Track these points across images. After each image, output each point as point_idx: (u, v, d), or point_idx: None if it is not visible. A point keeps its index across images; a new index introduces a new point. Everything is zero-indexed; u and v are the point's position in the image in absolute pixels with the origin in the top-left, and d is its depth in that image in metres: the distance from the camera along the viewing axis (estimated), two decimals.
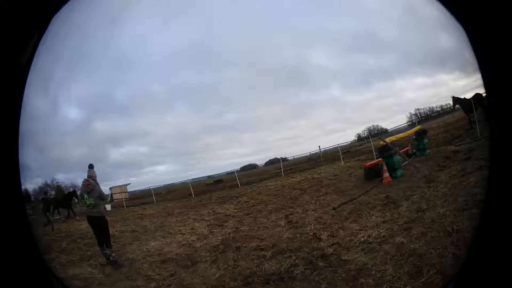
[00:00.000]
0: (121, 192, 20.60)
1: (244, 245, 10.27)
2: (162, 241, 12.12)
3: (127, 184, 20.55)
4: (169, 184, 21.32)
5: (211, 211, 16.16)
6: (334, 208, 12.18)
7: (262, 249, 9.55)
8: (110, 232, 12.13)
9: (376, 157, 16.65)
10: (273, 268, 8.23)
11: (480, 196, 7.94)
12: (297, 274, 7.66)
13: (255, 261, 8.87)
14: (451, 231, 7.43)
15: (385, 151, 14.87)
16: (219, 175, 23.92)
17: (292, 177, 21.99)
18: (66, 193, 18.89)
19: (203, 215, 15.63)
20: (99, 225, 10.34)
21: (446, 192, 10.14)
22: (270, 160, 27.00)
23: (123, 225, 14.92)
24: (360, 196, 12.93)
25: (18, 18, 2.60)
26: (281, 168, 24.13)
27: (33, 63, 2.90)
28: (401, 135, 18.50)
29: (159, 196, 21.01)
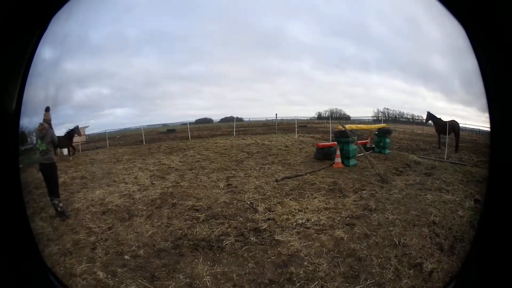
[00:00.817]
0: (80, 135, 20.25)
1: (180, 202, 10.06)
2: (106, 189, 11.88)
3: (85, 127, 20.16)
4: (125, 129, 21.13)
5: (157, 161, 16.24)
6: (277, 180, 11.84)
7: (197, 210, 9.30)
8: (63, 179, 12.21)
9: (331, 140, 16.41)
10: (204, 233, 7.93)
11: (433, 218, 8.50)
12: (226, 244, 7.34)
13: (187, 222, 8.61)
14: (397, 243, 7.08)
15: (342, 137, 14.60)
16: (173, 124, 23.66)
17: (243, 139, 22.46)
18: (67, 131, 18.38)
19: (148, 164, 15.71)
20: (49, 173, 9.68)
21: (399, 199, 9.97)
22: (225, 118, 27.03)
23: (75, 171, 14.58)
24: (306, 174, 12.79)
25: (18, 18, 2.54)
26: (234, 128, 24.35)
27: (33, 63, 2.85)
28: (363, 126, 18.51)
29: (113, 141, 21.16)
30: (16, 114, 2.70)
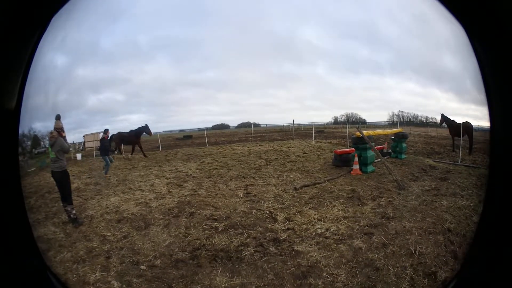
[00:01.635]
0: (94, 140, 20.53)
1: (198, 211, 10.05)
2: (122, 197, 11.99)
3: (99, 132, 20.55)
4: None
5: (174, 168, 16.52)
6: (296, 189, 11.97)
7: (215, 219, 9.35)
8: (76, 184, 12.68)
9: (349, 146, 16.59)
10: (223, 243, 7.98)
11: (448, 225, 8.55)
12: (245, 255, 7.39)
13: (206, 231, 8.64)
14: (413, 251, 7.12)
15: (360, 143, 14.69)
16: (190, 130, 23.91)
17: (260, 145, 22.59)
18: (136, 129, 19.59)
19: (165, 171, 15.90)
20: (60, 180, 9.89)
21: (416, 206, 10.02)
22: (242, 123, 27.19)
23: (88, 177, 14.83)
24: (325, 181, 12.91)
25: (18, 18, 2.59)
26: (251, 134, 24.46)
27: (33, 63, 2.89)
28: (380, 131, 18.40)
29: (128, 147, 21.30)
30: (16, 114, 2.76)
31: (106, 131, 16.67)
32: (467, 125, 20.64)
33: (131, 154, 20.94)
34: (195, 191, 12.34)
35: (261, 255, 7.33)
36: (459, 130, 20.41)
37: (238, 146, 22.67)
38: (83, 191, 12.63)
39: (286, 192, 11.64)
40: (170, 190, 12.66)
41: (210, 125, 24.74)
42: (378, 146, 18.75)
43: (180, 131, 23.47)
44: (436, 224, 8.56)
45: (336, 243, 7.54)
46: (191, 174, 14.95)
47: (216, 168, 16.02)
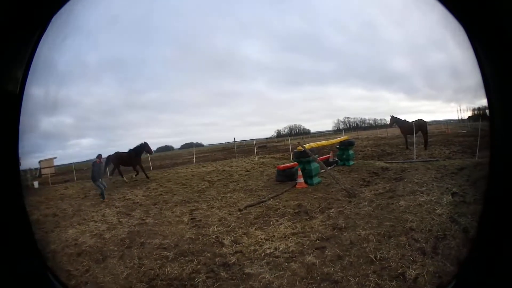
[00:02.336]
0: (49, 167, 19.84)
1: (148, 241, 9.82)
2: (78, 228, 11.80)
3: (54, 158, 19.81)
4: (90, 160, 21.01)
5: (121, 196, 16.57)
6: (240, 210, 11.62)
7: (165, 248, 9.06)
8: (35, 216, 12.30)
9: (292, 158, 16.54)
10: (175, 272, 7.63)
11: (410, 224, 8.44)
12: (198, 283, 7.04)
13: (158, 261, 8.33)
14: (374, 258, 6.86)
15: (303, 156, 14.48)
16: None
17: (203, 166, 22.69)
18: (135, 147, 20.40)
19: (114, 200, 15.93)
20: None
21: (370, 212, 9.86)
22: (186, 144, 27.62)
23: (46, 207, 14.83)
24: (269, 199, 12.70)
25: (18, 18, 2.48)
26: (193, 155, 24.79)
27: (33, 63, 2.78)
28: (323, 142, 18.15)
29: (80, 173, 21.64)
30: (16, 114, 2.65)
31: (99, 156, 16.73)
32: (419, 122, 21.39)
33: (135, 175, 21.01)
34: (143, 219, 12.16)
35: (213, 281, 7.01)
36: (412, 128, 20.85)
37: (181, 169, 22.95)
38: (43, 223, 12.41)
39: (230, 214, 11.40)
40: (120, 219, 12.50)
41: (154, 148, 24.85)
42: (323, 156, 19.04)
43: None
44: (395, 227, 8.42)
45: (287, 261, 7.26)
46: (138, 202, 14.85)
47: (161, 194, 15.98)
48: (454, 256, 6.56)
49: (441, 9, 2.53)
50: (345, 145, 18.51)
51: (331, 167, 17.62)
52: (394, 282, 5.96)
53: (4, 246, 2.55)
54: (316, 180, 14.46)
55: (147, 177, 20.51)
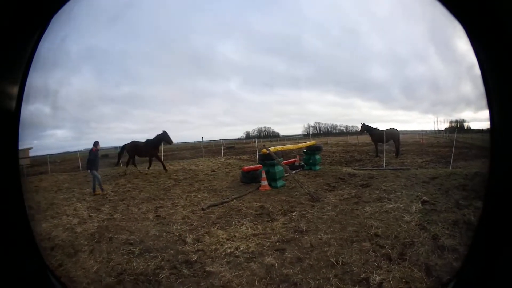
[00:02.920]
0: (24, 157, 19.52)
1: (116, 236, 9.92)
2: (51, 222, 11.76)
3: (29, 148, 19.48)
4: (65, 152, 20.71)
5: (92, 190, 16.46)
6: (203, 209, 11.70)
7: (131, 244, 9.14)
8: None
9: (258, 160, 16.66)
10: (141, 267, 7.71)
11: (375, 230, 8.51)
12: (162, 278, 7.13)
13: (125, 256, 8.39)
14: (335, 262, 6.90)
15: (267, 159, 14.62)
16: (108, 149, 23.49)
17: (171, 164, 24.19)
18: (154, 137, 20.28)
19: (85, 194, 16.11)
20: None
21: (333, 217, 9.97)
22: None
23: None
24: (232, 200, 12.87)
25: (18, 18, 2.45)
26: (162, 151, 25.01)
27: (33, 63, 2.75)
28: (290, 146, 18.71)
29: (55, 165, 21.72)
30: (16, 114, 2.63)
31: (96, 143, 16.42)
32: (391, 131, 21.73)
33: (148, 168, 20.98)
34: (111, 215, 12.25)
35: (176, 277, 7.10)
36: (382, 137, 21.17)
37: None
38: None
39: (194, 213, 11.50)
40: (90, 214, 12.55)
41: (122, 143, 24.23)
42: (290, 160, 19.54)
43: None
44: (359, 232, 8.50)
45: (247, 261, 7.34)
46: (107, 197, 15.03)
47: (129, 190, 16.22)
48: (423, 262, 6.64)
49: (441, 9, 2.50)
50: (312, 150, 18.71)
51: (297, 171, 17.86)
52: (357, 287, 5.99)
53: (4, 246, 2.52)
54: (280, 183, 14.60)
55: (165, 169, 20.52)
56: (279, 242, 8.31)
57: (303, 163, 19.15)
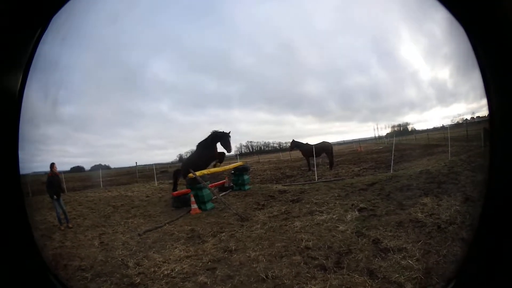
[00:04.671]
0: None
1: (70, 263, 9.97)
2: None
3: None
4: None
5: (43, 218, 15.97)
6: (139, 234, 12.03)
7: (83, 270, 9.30)
8: None
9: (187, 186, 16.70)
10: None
11: (305, 243, 8.91)
12: (86, 285, 7.92)
13: (80, 282, 8.64)
14: (265, 277, 7.33)
15: (194, 183, 15.06)
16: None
17: (109, 191, 24.49)
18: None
19: (37, 222, 14.56)
20: None
21: (262, 234, 10.43)
22: (95, 166, 27.03)
23: None
24: (165, 224, 13.28)
25: (18, 18, 2.56)
26: (101, 177, 25.19)
27: (33, 63, 2.83)
28: (216, 169, 18.44)
29: None
30: (16, 114, 2.75)
31: (52, 165, 15.22)
32: (323, 144, 22.48)
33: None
34: (63, 242, 12.34)
35: None
36: (312, 151, 21.67)
37: (90, 192, 24.13)
38: None
39: (132, 239, 11.84)
40: (45, 242, 12.17)
41: (68, 168, 24.78)
42: (219, 182, 19.59)
43: (45, 173, 22.51)
44: (288, 247, 8.92)
45: (182, 281, 7.75)
46: (56, 225, 14.64)
47: (74, 218, 16.21)
48: (364, 267, 7.00)
49: (441, 9, 2.64)
50: (240, 171, 19.08)
51: (227, 192, 18.32)
52: None
53: (4, 246, 2.64)
54: (209, 205, 15.00)
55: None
56: (210, 262, 8.72)
57: (232, 184, 19.47)
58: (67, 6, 2.91)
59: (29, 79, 2.80)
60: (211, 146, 18.01)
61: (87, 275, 8.92)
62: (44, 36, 2.84)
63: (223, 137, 17.80)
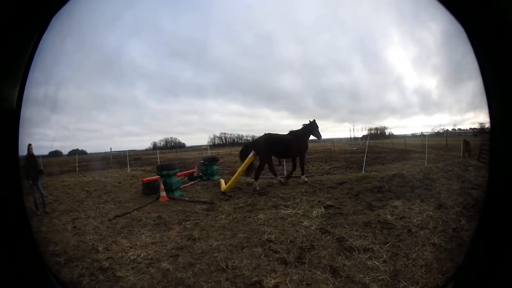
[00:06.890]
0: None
1: (45, 249, 9.28)
2: None
3: None
4: None
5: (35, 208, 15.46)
6: (109, 220, 12.17)
7: (57, 255, 9.04)
8: None
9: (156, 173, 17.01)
10: (68, 276, 7.84)
11: (268, 236, 9.01)
12: (85, 284, 7.43)
13: (54, 266, 8.25)
14: (224, 267, 7.45)
15: (164, 170, 15.40)
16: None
17: (84, 176, 24.41)
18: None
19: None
20: None
21: (225, 224, 10.60)
22: (72, 150, 26.81)
23: None
24: (134, 210, 13.38)
25: (18, 18, 2.63)
26: (77, 162, 25.36)
27: (33, 63, 2.91)
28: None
29: None
30: (16, 114, 2.80)
31: (29, 146, 13.85)
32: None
33: (303, 176, 17.26)
34: (39, 228, 11.97)
35: (95, 282, 7.41)
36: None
37: (67, 177, 24.20)
38: None
39: (102, 224, 11.89)
40: None
41: (46, 152, 24.16)
42: (188, 171, 20.33)
43: (21, 157, 22.38)
44: (250, 238, 9.08)
45: (147, 266, 7.89)
46: (33, 210, 14.16)
47: (51, 202, 15.96)
48: (326, 264, 7.05)
49: (441, 9, 2.69)
50: (209, 161, 19.58)
51: (195, 181, 18.79)
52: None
53: (4, 246, 2.66)
54: (177, 193, 15.22)
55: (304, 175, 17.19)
56: (174, 249, 8.85)
57: (201, 174, 19.80)
58: (67, 6, 2.99)
59: (29, 80, 2.89)
60: (306, 139, 17.63)
61: (60, 260, 8.76)
62: (44, 36, 2.92)
63: (314, 127, 17.52)
